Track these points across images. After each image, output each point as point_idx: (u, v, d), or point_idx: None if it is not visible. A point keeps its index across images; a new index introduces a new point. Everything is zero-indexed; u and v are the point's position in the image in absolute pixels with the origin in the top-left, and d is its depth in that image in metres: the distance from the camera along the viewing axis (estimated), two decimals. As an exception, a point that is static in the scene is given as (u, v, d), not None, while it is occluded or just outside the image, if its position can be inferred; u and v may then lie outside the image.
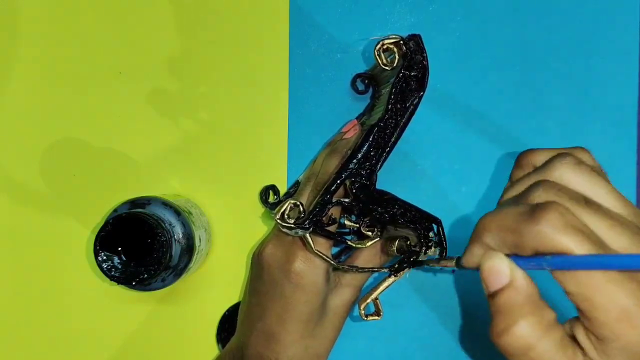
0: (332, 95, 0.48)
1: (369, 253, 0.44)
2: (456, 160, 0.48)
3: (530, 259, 0.30)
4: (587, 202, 0.30)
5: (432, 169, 0.48)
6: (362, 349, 0.49)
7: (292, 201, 0.41)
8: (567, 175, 0.32)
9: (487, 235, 0.31)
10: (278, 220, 0.41)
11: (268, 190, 0.48)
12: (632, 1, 0.48)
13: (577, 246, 0.28)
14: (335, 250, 0.47)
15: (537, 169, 0.33)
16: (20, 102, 0.49)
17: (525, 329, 0.29)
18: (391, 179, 0.48)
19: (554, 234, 0.28)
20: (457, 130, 0.48)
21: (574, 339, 0.30)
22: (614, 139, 0.48)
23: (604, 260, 0.28)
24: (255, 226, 0.49)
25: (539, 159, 0.34)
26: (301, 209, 0.41)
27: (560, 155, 0.33)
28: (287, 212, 0.41)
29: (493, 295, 0.30)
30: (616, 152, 0.48)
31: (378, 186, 0.43)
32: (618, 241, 0.29)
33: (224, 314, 0.48)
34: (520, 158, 0.36)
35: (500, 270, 0.30)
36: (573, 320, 0.32)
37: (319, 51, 0.49)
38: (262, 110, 0.49)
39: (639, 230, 0.30)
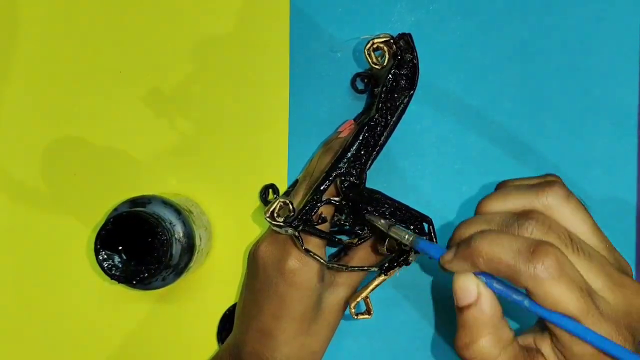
0: (332, 95, 0.48)
1: (365, 252, 0.44)
2: (456, 160, 0.48)
3: (511, 291, 0.33)
4: (572, 243, 0.33)
5: (431, 168, 0.48)
6: (360, 348, 0.49)
7: (282, 200, 0.41)
8: (557, 207, 0.34)
9: (480, 262, 0.33)
10: (267, 219, 0.41)
11: (268, 189, 0.48)
12: (632, 1, 0.48)
13: (568, 297, 0.31)
14: (335, 249, 0.47)
15: (527, 191, 0.35)
16: (20, 102, 0.49)
17: (486, 346, 0.33)
18: (391, 178, 0.48)
19: (549, 281, 0.31)
20: (457, 130, 0.48)
21: (532, 349, 0.34)
22: (614, 139, 0.48)
23: (587, 336, 0.31)
24: (255, 226, 0.49)
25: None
26: (291, 207, 0.41)
27: (550, 184, 0.35)
28: (276, 210, 0.41)
29: (461, 309, 0.34)
30: (616, 152, 0.48)
31: (378, 185, 0.43)
32: (594, 283, 0.32)
33: (224, 313, 0.48)
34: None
35: (469, 289, 0.33)
36: (537, 332, 0.35)
37: (319, 51, 0.49)
38: (262, 110, 0.49)
39: (611, 269, 0.33)
